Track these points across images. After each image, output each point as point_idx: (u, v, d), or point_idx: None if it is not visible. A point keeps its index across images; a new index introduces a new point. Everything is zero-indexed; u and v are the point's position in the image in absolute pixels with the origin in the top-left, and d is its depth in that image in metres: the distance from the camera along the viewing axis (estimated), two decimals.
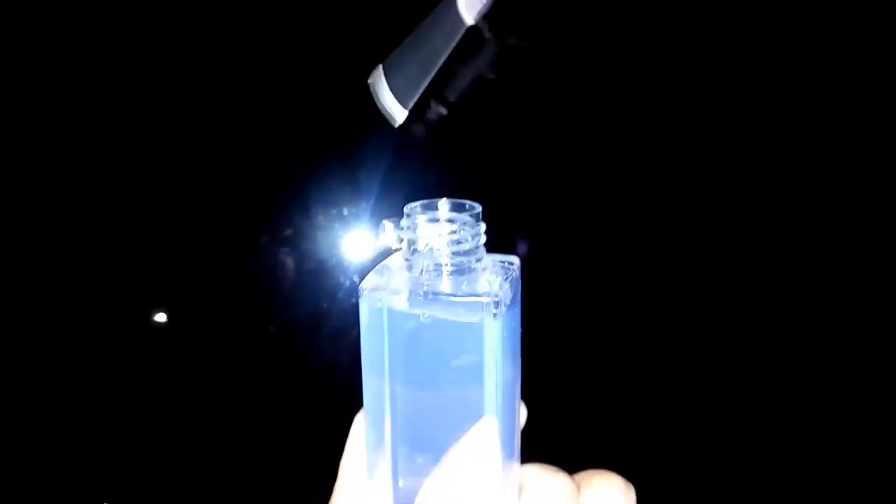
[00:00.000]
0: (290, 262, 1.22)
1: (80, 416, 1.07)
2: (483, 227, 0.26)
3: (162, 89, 1.02)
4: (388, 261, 0.27)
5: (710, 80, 0.84)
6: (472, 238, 0.25)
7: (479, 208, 0.26)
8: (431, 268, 0.25)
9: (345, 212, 1.11)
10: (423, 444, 0.25)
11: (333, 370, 0.97)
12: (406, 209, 0.25)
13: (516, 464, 0.28)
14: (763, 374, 0.80)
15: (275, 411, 1.08)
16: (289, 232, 1.12)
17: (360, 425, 0.26)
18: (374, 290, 0.25)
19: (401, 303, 0.24)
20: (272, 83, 0.99)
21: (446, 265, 0.25)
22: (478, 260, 0.25)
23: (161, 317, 1.12)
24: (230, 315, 1.12)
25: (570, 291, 0.82)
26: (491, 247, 0.27)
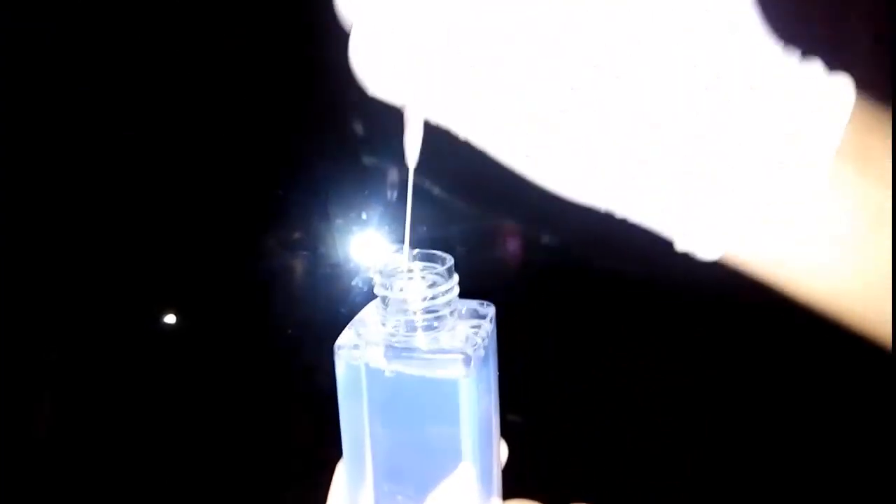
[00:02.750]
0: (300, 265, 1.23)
1: (91, 416, 1.09)
2: (456, 278, 0.26)
3: (171, 91, 1.02)
4: (362, 314, 0.27)
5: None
6: (445, 292, 0.25)
7: (451, 261, 0.26)
8: (405, 324, 0.25)
9: (363, 215, 1.12)
10: (403, 490, 0.26)
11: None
12: (379, 266, 0.26)
13: (497, 501, 0.29)
14: (763, 375, 0.80)
15: (291, 412, 1.10)
16: (303, 235, 1.13)
17: (341, 475, 0.27)
18: (350, 347, 0.25)
19: (376, 360, 0.25)
20: (281, 85, 0.99)
21: (420, 321, 0.25)
22: (451, 312, 0.26)
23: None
24: (246, 318, 1.13)
25: (570, 292, 0.82)
26: (497, 247, 0.27)
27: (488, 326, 0.26)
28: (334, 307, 1.07)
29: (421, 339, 0.25)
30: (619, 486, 0.93)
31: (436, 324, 0.25)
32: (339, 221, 1.10)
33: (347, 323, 0.27)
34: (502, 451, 0.30)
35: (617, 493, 0.90)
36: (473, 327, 0.26)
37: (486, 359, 0.26)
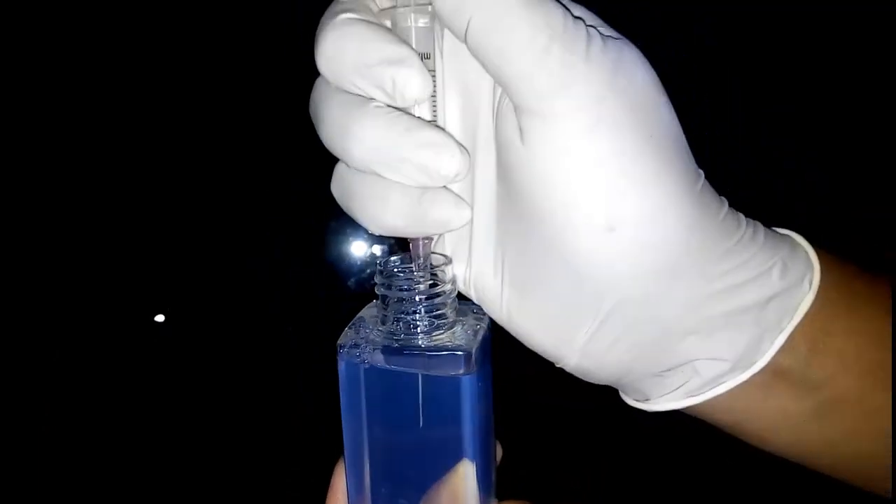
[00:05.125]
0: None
1: (91, 415, 1.08)
2: (454, 279, 0.27)
3: (171, 91, 1.02)
4: (363, 313, 0.28)
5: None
6: (445, 293, 0.26)
7: (450, 262, 0.27)
8: (405, 323, 0.26)
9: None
10: (402, 489, 0.26)
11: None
12: (379, 264, 0.26)
13: (493, 501, 0.29)
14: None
15: (296, 412, 1.10)
16: (297, 234, 1.14)
17: (340, 473, 0.27)
18: (351, 346, 0.26)
19: (377, 358, 0.25)
20: (283, 86, 0.99)
21: (420, 319, 0.26)
22: (451, 312, 0.26)
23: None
24: (243, 317, 1.13)
25: None
26: None
27: (485, 328, 0.27)
28: (329, 306, 1.08)
29: (421, 339, 0.25)
30: (614, 486, 0.94)
31: (436, 323, 0.26)
32: (332, 223, 1.10)
33: (342, 322, 0.27)
34: (497, 452, 0.30)
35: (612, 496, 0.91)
36: (472, 328, 0.26)
37: (484, 359, 0.26)
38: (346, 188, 0.25)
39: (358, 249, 1.14)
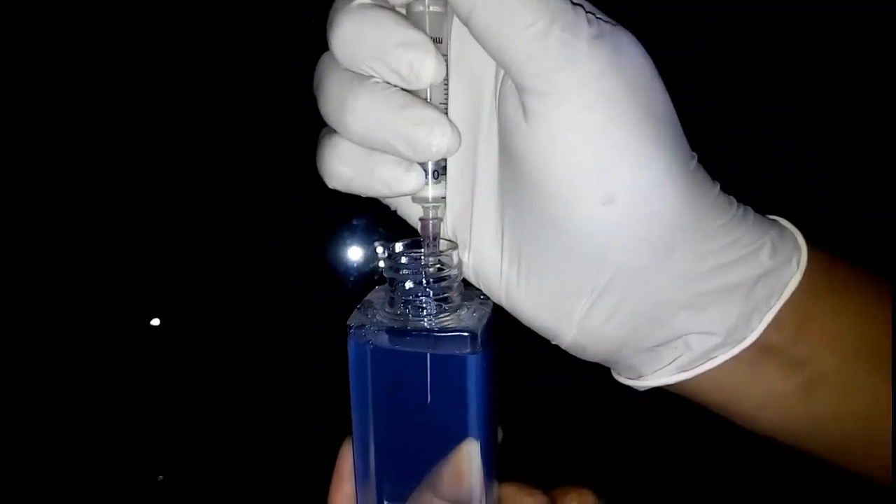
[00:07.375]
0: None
1: (90, 415, 1.08)
2: (460, 264, 0.27)
3: (170, 92, 1.03)
4: (371, 296, 0.28)
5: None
6: (451, 276, 0.26)
7: (456, 246, 0.27)
8: (412, 305, 0.26)
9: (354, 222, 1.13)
10: (407, 467, 0.27)
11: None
12: (386, 248, 0.27)
13: (494, 483, 0.29)
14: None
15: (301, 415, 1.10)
16: (294, 237, 1.14)
17: (347, 452, 0.28)
18: (360, 327, 0.26)
19: (384, 339, 0.26)
20: (282, 86, 0.99)
21: (427, 301, 0.26)
22: (457, 294, 0.27)
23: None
24: (246, 315, 1.13)
25: None
26: None
27: (489, 313, 0.27)
28: (329, 306, 1.08)
29: (427, 320, 0.26)
30: (615, 469, 0.94)
31: (442, 306, 0.26)
32: (332, 223, 1.11)
33: (342, 322, 0.27)
34: (498, 435, 0.30)
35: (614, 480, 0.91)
36: (477, 311, 0.27)
37: (488, 342, 0.26)
38: (339, 157, 0.25)
39: (358, 249, 1.14)
